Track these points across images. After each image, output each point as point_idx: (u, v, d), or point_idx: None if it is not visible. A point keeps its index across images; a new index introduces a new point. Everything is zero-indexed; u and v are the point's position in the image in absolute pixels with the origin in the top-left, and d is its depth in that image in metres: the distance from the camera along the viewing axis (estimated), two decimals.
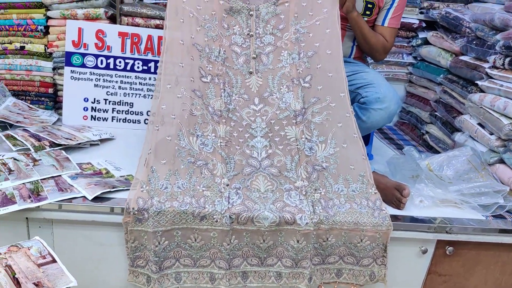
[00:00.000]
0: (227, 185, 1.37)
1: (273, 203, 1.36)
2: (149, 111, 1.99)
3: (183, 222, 1.30)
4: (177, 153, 1.38)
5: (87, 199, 1.32)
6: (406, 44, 2.62)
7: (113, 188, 1.37)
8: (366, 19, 1.78)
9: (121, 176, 1.49)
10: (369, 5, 1.80)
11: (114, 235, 1.35)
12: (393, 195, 1.52)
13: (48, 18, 1.99)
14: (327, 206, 1.39)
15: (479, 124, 1.86)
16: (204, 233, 1.32)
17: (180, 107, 1.43)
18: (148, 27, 2.02)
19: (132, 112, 2.03)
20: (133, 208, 1.27)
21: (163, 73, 1.46)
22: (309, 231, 1.33)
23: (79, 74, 1.96)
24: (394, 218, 1.44)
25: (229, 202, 1.33)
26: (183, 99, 1.44)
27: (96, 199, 1.32)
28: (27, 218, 1.32)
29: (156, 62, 2.00)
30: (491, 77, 1.84)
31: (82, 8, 1.98)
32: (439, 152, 2.07)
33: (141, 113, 2.04)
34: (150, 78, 2.02)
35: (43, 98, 2.08)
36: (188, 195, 1.33)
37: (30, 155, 1.50)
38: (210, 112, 1.47)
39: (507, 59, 1.74)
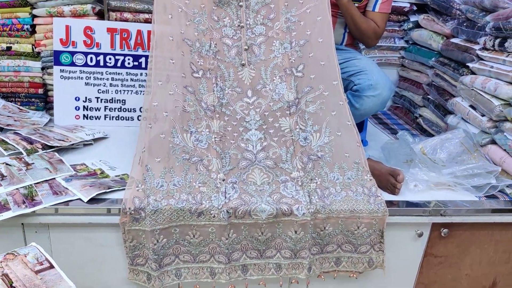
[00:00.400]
0: (223, 180, 1.37)
1: (270, 195, 1.37)
2: (142, 107, 1.98)
3: (180, 219, 1.30)
4: (171, 151, 1.37)
5: (83, 201, 1.31)
6: (397, 28, 2.60)
7: (109, 188, 1.37)
8: (356, 5, 1.76)
9: (116, 176, 1.48)
10: None
11: (112, 236, 1.35)
12: (388, 181, 1.53)
13: (34, 16, 1.95)
14: (323, 195, 1.40)
15: (471, 106, 1.86)
16: (202, 228, 1.32)
17: (173, 104, 1.42)
18: (137, 22, 1.99)
19: (124, 109, 2.02)
20: (129, 208, 1.27)
21: (154, 67, 1.45)
22: (306, 221, 1.34)
23: (69, 73, 1.94)
24: (390, 203, 1.46)
25: (225, 197, 1.33)
26: (175, 95, 1.43)
27: (92, 200, 1.32)
28: (22, 224, 1.31)
29: (147, 57, 1.97)
30: (482, 59, 1.84)
31: (68, 4, 1.93)
32: (432, 135, 2.08)
33: (134, 110, 2.03)
34: (141, 74, 2.00)
35: (33, 99, 2.05)
36: (184, 192, 1.33)
37: (23, 159, 1.49)
38: (203, 107, 1.46)
39: (497, 41, 1.73)
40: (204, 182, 1.36)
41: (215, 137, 1.43)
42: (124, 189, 1.35)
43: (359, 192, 1.43)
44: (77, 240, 1.36)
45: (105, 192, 1.36)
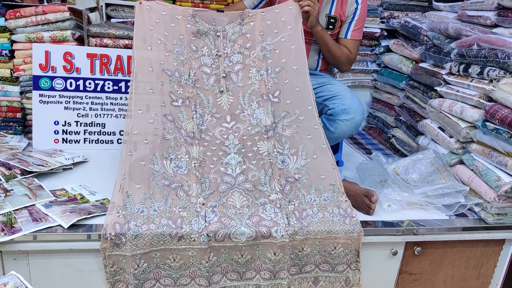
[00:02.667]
0: (203, 204, 1.40)
1: (249, 218, 1.40)
2: (122, 130, 2.00)
3: (161, 243, 1.32)
4: (151, 177, 1.40)
5: (63, 227, 1.32)
6: (369, 52, 2.72)
7: (89, 214, 1.38)
8: (329, 33, 1.85)
9: (96, 201, 1.49)
10: (331, 20, 1.87)
11: (93, 261, 1.35)
12: (362, 201, 1.58)
13: (13, 42, 1.97)
14: (300, 217, 1.45)
15: (440, 128, 1.95)
16: (183, 252, 1.34)
17: (153, 132, 1.45)
18: (117, 47, 2.02)
19: (104, 133, 2.03)
20: (110, 234, 1.28)
21: (134, 93, 1.49)
22: (285, 243, 1.38)
23: (48, 97, 1.95)
24: (365, 223, 1.52)
25: (205, 221, 1.36)
26: (154, 124, 1.47)
27: (72, 226, 1.33)
28: (1, 251, 1.30)
29: (126, 81, 2.01)
30: (449, 83, 1.93)
31: (48, 31, 1.96)
32: (405, 155, 2.17)
33: (114, 133, 2.04)
34: (121, 98, 2.02)
35: (11, 123, 2.05)
36: (164, 217, 1.35)
37: (1, 186, 1.48)
38: (183, 134, 1.50)
39: (462, 66, 1.84)
40: (184, 207, 1.39)
41: (194, 163, 1.47)
42: (104, 214, 1.36)
43: (335, 213, 1.48)
44: (56, 267, 1.36)
45: (86, 218, 1.36)
